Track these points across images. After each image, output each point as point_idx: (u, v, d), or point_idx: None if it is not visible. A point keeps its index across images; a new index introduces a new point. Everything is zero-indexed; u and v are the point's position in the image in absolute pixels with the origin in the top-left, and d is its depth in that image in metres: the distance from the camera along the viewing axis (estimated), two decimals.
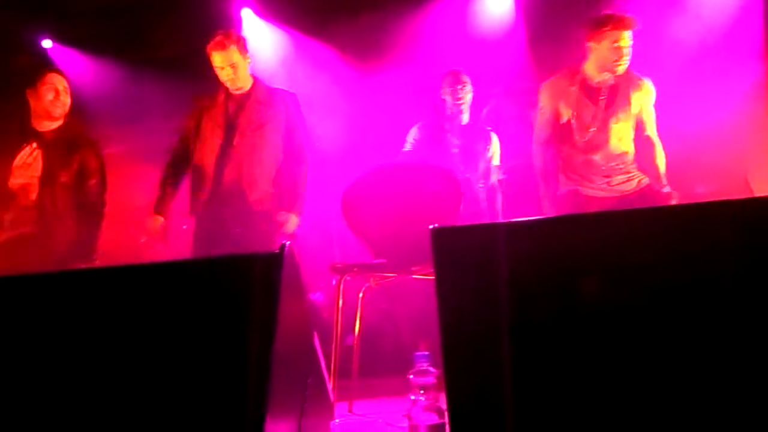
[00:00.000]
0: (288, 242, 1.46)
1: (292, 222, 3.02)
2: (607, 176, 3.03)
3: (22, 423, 1.34)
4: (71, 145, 2.91)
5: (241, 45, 3.00)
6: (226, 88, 3.05)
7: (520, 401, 1.25)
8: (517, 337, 1.33)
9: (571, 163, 3.07)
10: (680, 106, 3.74)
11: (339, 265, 2.55)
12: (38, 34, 4.59)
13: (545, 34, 4.21)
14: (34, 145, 2.78)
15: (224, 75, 2.99)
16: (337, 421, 2.25)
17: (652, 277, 1.32)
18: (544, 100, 3.12)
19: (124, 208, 3.78)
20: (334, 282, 2.59)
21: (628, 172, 3.05)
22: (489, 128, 3.52)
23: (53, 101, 2.87)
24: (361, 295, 2.60)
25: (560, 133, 3.08)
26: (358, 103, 4.34)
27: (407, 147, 3.48)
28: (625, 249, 1.38)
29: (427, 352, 1.71)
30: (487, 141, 3.45)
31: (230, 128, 2.98)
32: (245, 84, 3.03)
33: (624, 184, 3.04)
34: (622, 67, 2.95)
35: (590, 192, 3.04)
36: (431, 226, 1.47)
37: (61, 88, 2.90)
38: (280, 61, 4.64)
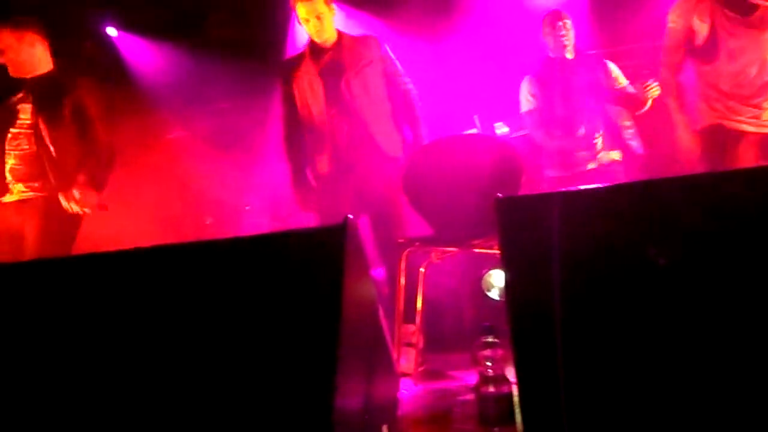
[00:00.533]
0: (350, 215, 1.46)
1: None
2: (757, 107, 2.69)
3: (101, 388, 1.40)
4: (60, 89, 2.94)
5: None
6: (312, 43, 2.95)
7: (586, 369, 1.23)
8: (581, 307, 1.30)
9: (714, 90, 2.75)
10: None
11: (401, 240, 2.56)
12: (103, 22, 4.73)
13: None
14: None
15: (311, 27, 2.88)
16: (404, 392, 2.27)
17: (717, 246, 1.27)
18: (674, 18, 2.82)
19: (189, 190, 3.89)
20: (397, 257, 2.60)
21: None
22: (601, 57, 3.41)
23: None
24: (422, 269, 2.60)
25: (698, 54, 2.78)
26: (428, 75, 4.30)
27: (527, 105, 3.43)
28: (692, 216, 1.32)
29: (491, 324, 1.70)
30: (604, 67, 3.37)
31: (331, 78, 2.89)
32: (331, 35, 2.93)
33: None
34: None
35: (736, 125, 2.71)
36: (496, 197, 1.45)
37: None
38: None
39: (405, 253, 2.51)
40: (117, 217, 3.40)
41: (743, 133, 2.71)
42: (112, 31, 4.77)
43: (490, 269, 3.21)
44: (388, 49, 2.98)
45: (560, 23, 3.32)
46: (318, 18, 2.87)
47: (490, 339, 1.65)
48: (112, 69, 4.66)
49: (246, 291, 1.45)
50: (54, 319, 1.50)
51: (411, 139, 2.92)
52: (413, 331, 2.60)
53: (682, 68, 2.85)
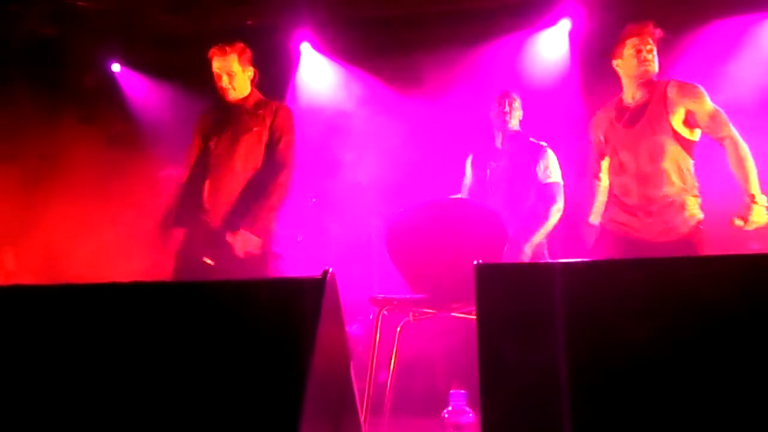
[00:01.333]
0: (330, 269, 1.45)
1: (242, 242, 2.74)
2: (648, 214, 2.71)
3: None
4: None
5: (243, 56, 2.94)
6: (219, 99, 2.99)
7: None
8: (559, 381, 1.29)
9: (616, 201, 2.84)
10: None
11: (378, 298, 2.54)
12: (108, 57, 4.81)
13: (600, 79, 4.19)
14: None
15: (222, 82, 2.92)
16: None
17: (701, 326, 1.27)
18: (591, 133, 3.00)
19: None
20: (372, 315, 2.58)
21: (677, 206, 2.70)
22: (544, 144, 3.39)
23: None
24: (398, 329, 2.57)
25: (609, 164, 2.90)
26: (407, 137, 4.38)
27: (464, 180, 3.50)
28: (662, 296, 1.34)
29: (463, 391, 1.67)
30: (538, 154, 3.33)
31: (210, 137, 2.94)
32: (240, 95, 2.95)
33: (671, 226, 2.70)
34: (651, 67, 2.73)
35: (633, 233, 2.76)
36: (475, 262, 1.45)
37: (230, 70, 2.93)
38: (335, 95, 4.75)
39: (381, 311, 2.49)
40: (106, 251, 3.36)
41: (641, 241, 2.74)
42: (115, 67, 4.85)
43: (469, 334, 3.18)
44: (291, 118, 2.96)
45: (507, 100, 3.39)
46: (228, 75, 2.91)
47: (459, 406, 1.62)
48: (112, 103, 4.72)
49: (218, 336, 1.43)
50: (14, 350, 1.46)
51: (251, 210, 2.79)
52: (384, 393, 2.55)
53: (595, 175, 3.01)
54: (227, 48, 2.92)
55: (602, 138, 2.91)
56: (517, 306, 1.40)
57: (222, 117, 2.97)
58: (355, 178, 4.31)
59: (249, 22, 4.65)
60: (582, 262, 1.46)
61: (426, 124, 4.36)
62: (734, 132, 2.65)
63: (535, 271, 1.51)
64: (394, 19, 4.56)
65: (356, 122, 4.40)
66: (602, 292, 1.37)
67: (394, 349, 2.56)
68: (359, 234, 4.13)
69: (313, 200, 4.32)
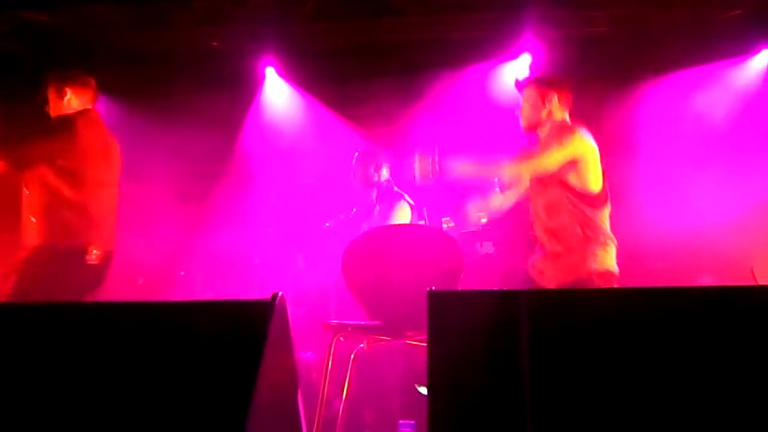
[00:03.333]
0: (280, 292, 1.43)
1: None
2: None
3: None
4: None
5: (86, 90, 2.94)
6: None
7: None
8: (510, 411, 1.28)
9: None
10: (691, 194, 3.77)
11: (333, 324, 2.50)
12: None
13: None
14: None
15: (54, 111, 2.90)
16: None
17: (659, 354, 1.28)
18: None
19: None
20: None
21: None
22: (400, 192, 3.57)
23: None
24: (352, 357, 2.53)
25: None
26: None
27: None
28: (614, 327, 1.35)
29: (412, 422, 1.65)
30: (394, 204, 3.50)
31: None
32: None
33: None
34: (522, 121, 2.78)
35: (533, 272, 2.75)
36: (429, 289, 1.44)
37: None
38: (292, 121, 4.77)
39: (335, 338, 2.46)
40: None
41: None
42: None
43: (422, 361, 3.16)
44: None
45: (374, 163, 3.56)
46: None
47: None
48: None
49: (160, 358, 1.39)
50: None
51: None
52: (335, 420, 2.50)
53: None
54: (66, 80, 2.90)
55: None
56: (472, 334, 1.39)
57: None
58: (308, 203, 4.32)
59: (215, 44, 4.63)
60: (545, 290, 1.46)
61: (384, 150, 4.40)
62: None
63: (492, 298, 1.51)
64: (358, 48, 4.60)
65: (311, 148, 4.45)
66: (565, 320, 1.37)
67: (347, 377, 2.51)
68: (315, 258, 4.09)
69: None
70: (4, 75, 4.45)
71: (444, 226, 3.76)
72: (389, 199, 3.52)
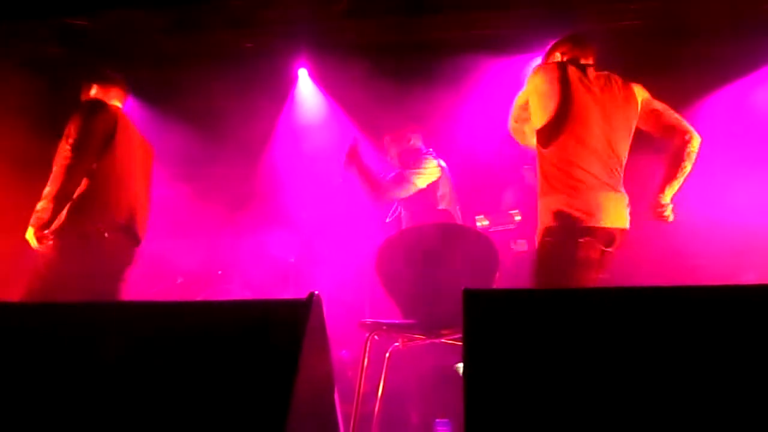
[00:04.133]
0: (316, 291, 1.44)
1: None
2: None
3: None
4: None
5: (125, 96, 3.10)
6: None
7: None
8: (549, 412, 1.26)
9: None
10: (735, 191, 3.67)
11: (368, 323, 2.51)
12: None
13: None
14: None
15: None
16: None
17: (678, 357, 1.26)
18: None
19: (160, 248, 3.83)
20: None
21: None
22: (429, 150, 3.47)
23: None
24: (387, 355, 2.54)
25: None
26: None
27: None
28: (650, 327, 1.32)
29: (447, 420, 1.64)
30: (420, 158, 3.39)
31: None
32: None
33: None
34: None
35: None
36: (464, 288, 1.43)
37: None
38: (323, 122, 4.80)
39: (370, 336, 2.46)
40: None
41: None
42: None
43: (458, 361, 3.15)
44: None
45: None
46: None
47: None
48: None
49: (201, 357, 1.41)
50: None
51: None
52: (370, 419, 2.51)
53: None
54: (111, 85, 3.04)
55: None
56: (508, 333, 1.38)
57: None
58: (343, 202, 4.33)
59: (248, 45, 4.67)
60: (584, 289, 1.43)
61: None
62: None
63: (528, 297, 1.49)
64: (391, 45, 4.59)
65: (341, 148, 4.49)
66: (606, 320, 1.35)
67: (383, 375, 2.52)
68: (352, 257, 4.11)
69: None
70: (47, 79, 4.58)
71: (478, 224, 3.73)
72: (415, 157, 3.39)
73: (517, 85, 2.65)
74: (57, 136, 2.84)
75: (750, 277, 3.53)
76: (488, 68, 4.29)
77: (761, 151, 3.88)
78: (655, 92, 2.55)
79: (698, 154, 2.43)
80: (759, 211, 3.60)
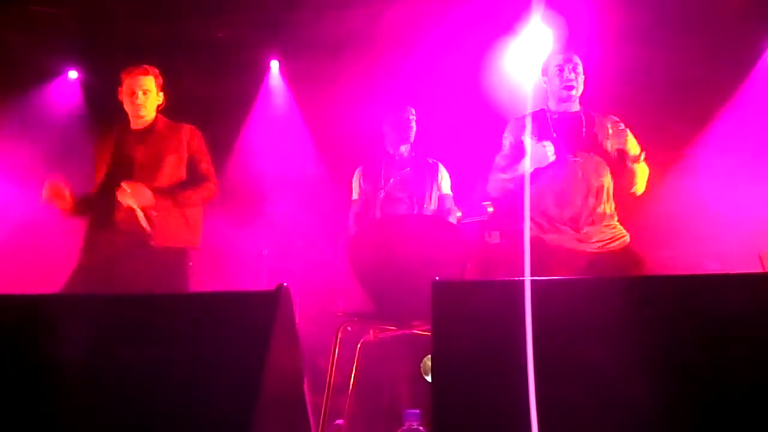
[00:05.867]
0: (285, 283, 1.44)
1: (134, 192, 2.72)
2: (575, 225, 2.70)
3: None
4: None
5: (158, 79, 2.98)
6: (124, 125, 2.99)
7: None
8: (516, 402, 1.28)
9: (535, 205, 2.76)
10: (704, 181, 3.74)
11: (339, 314, 2.52)
12: (65, 64, 4.76)
13: None
14: None
15: (137, 99, 2.90)
16: None
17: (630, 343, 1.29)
18: (508, 132, 2.89)
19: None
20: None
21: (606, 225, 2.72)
22: (432, 160, 3.47)
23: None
24: (358, 346, 2.55)
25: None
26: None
27: (354, 195, 3.45)
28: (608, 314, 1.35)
29: (418, 411, 1.66)
30: (434, 172, 3.41)
31: (129, 162, 2.89)
32: (149, 115, 2.95)
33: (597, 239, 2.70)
34: (574, 91, 2.76)
35: (554, 240, 2.69)
36: (433, 279, 1.44)
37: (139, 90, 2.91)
38: (294, 113, 4.79)
39: (342, 327, 2.47)
40: None
41: (561, 249, 2.69)
42: (72, 74, 4.79)
43: (428, 352, 3.17)
44: (202, 140, 3.00)
45: (411, 113, 3.41)
46: (145, 93, 2.91)
47: (413, 426, 1.61)
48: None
49: (169, 347, 1.40)
50: None
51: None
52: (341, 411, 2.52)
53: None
54: (148, 68, 2.95)
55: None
56: (476, 324, 1.40)
57: (133, 139, 2.94)
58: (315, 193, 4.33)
59: (220, 35, 4.62)
60: (549, 279, 1.46)
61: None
62: None
63: (496, 288, 1.51)
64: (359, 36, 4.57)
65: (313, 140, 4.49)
66: (571, 310, 1.37)
67: (354, 367, 2.53)
68: (324, 248, 4.11)
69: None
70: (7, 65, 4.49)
71: (489, 210, 3.66)
72: (424, 164, 3.39)
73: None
74: None
75: (713, 266, 3.62)
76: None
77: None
78: None
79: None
80: (719, 200, 3.68)
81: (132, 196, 2.71)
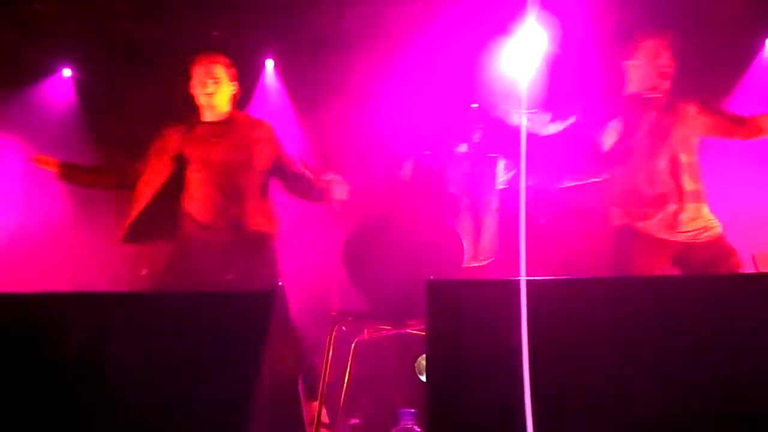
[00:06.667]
0: (280, 283, 1.44)
1: (337, 187, 2.76)
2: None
3: None
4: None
5: (230, 69, 2.84)
6: (193, 118, 2.83)
7: None
8: (510, 401, 1.28)
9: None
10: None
11: (333, 313, 2.52)
12: (60, 62, 4.73)
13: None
14: None
15: (207, 89, 2.76)
16: None
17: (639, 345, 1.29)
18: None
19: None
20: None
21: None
22: (494, 155, 3.46)
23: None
24: (353, 346, 2.55)
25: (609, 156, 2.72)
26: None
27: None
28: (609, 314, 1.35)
29: (413, 410, 1.66)
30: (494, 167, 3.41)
31: (193, 154, 2.76)
32: (223, 106, 2.80)
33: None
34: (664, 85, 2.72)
35: (644, 228, 2.62)
36: (427, 279, 1.45)
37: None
38: (272, 115, 4.79)
39: (336, 327, 2.47)
40: None
41: (654, 239, 2.63)
42: (66, 72, 4.77)
43: (423, 352, 3.17)
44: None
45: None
46: (216, 82, 2.77)
47: (408, 425, 1.61)
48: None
49: (167, 347, 1.41)
50: None
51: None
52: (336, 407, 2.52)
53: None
54: (218, 56, 2.83)
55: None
56: (471, 323, 1.40)
57: (209, 132, 2.79)
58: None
59: (215, 33, 4.61)
60: (545, 279, 1.46)
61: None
62: None
63: (491, 287, 1.52)
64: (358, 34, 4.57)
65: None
66: (565, 310, 1.37)
67: (348, 366, 2.53)
68: (319, 247, 4.10)
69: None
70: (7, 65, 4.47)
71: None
72: (484, 160, 3.39)
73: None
74: None
75: None
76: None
77: None
78: None
79: None
80: (714, 201, 3.68)
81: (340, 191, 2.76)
